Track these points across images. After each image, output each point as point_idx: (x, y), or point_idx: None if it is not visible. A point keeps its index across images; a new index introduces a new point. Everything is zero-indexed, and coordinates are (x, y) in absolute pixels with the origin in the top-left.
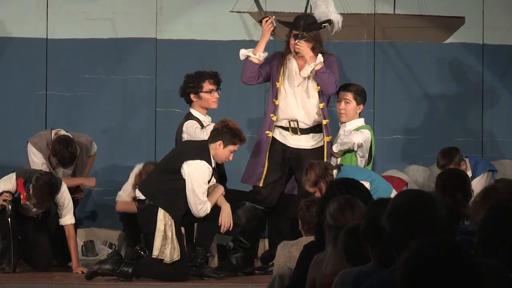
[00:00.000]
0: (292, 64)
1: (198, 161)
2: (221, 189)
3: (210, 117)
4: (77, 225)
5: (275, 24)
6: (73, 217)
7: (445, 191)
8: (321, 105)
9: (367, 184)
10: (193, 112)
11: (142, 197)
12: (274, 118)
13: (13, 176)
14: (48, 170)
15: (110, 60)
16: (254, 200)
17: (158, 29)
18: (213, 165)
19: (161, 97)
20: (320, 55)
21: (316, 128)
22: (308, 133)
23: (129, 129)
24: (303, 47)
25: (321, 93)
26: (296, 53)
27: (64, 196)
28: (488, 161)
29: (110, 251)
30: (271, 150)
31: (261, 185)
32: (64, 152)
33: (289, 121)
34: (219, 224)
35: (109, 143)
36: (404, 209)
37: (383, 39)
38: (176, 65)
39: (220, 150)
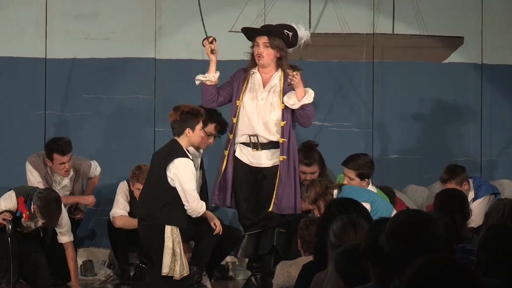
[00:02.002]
0: (256, 77)
1: (176, 160)
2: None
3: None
4: (77, 244)
5: (214, 44)
6: (72, 235)
7: (443, 211)
8: (282, 123)
9: (367, 205)
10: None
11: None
12: (230, 136)
13: (12, 194)
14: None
15: (109, 80)
16: (246, 228)
17: (157, 49)
18: (191, 157)
19: (160, 116)
20: (311, 90)
21: (277, 144)
22: (269, 148)
23: (128, 149)
24: (298, 79)
25: (284, 111)
26: (289, 84)
27: (62, 215)
28: (491, 184)
29: (108, 271)
30: (234, 169)
31: (229, 205)
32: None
33: (249, 136)
34: (215, 228)
35: (108, 162)
36: (403, 229)
37: (382, 59)
38: (175, 85)
39: (192, 136)
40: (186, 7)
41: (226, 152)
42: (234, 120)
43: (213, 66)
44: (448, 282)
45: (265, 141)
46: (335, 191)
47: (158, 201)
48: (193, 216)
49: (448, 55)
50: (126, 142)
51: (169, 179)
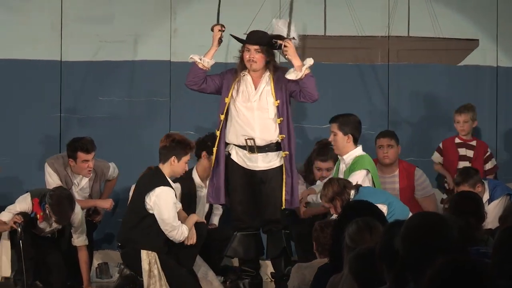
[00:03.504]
0: (247, 80)
1: (157, 189)
2: (194, 217)
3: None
4: (93, 247)
5: (223, 31)
6: (86, 238)
7: (458, 214)
8: (279, 120)
9: (384, 208)
10: (194, 173)
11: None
12: (217, 133)
13: (27, 196)
14: None
15: (124, 83)
16: (240, 229)
17: (172, 52)
18: (173, 186)
19: (176, 119)
20: (310, 58)
21: (273, 147)
22: (266, 151)
23: (144, 151)
24: (292, 48)
25: (279, 108)
26: (284, 55)
27: (78, 217)
28: (506, 185)
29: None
30: (229, 171)
31: (224, 202)
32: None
33: (246, 139)
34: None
35: (123, 165)
36: (417, 231)
37: (397, 62)
38: None
39: (176, 165)
40: (200, 10)
41: (215, 150)
42: (222, 117)
43: (211, 53)
44: (467, 283)
45: (262, 144)
46: (352, 192)
47: (136, 227)
48: (175, 242)
49: (463, 58)
50: (141, 144)
51: (148, 206)
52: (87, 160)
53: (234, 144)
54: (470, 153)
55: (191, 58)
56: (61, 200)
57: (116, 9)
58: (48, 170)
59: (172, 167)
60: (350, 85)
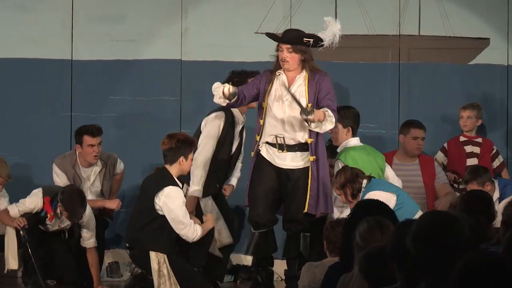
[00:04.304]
0: (281, 78)
1: (165, 189)
2: (211, 222)
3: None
4: (105, 246)
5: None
6: (96, 241)
7: (468, 213)
8: None
9: (393, 197)
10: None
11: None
12: (257, 138)
13: (39, 192)
14: None
15: (135, 82)
16: (257, 226)
17: (183, 51)
18: (180, 185)
19: (186, 118)
20: (329, 114)
21: (303, 146)
22: (295, 150)
23: (154, 150)
24: (313, 118)
25: None
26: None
27: (88, 217)
28: None
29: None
30: (255, 166)
31: (246, 204)
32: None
33: (276, 137)
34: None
35: (133, 164)
36: (428, 231)
37: (408, 61)
38: (201, 87)
39: (184, 164)
40: (211, 9)
41: (253, 154)
42: (261, 122)
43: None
44: (495, 278)
45: (292, 143)
46: (364, 181)
47: (145, 228)
48: (189, 241)
49: (474, 57)
50: (152, 143)
51: (157, 207)
52: (93, 144)
53: (266, 142)
54: (476, 150)
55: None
56: (73, 196)
57: (127, 8)
58: (56, 170)
59: (180, 166)
60: (360, 84)
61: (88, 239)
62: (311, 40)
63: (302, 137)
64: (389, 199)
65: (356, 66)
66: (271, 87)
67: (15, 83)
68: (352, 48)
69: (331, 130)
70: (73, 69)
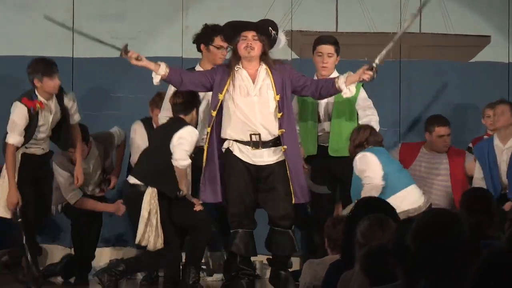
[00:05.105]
0: (242, 73)
1: (187, 127)
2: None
3: None
4: (97, 243)
5: (131, 52)
6: (79, 115)
7: (469, 211)
8: (279, 115)
9: (380, 172)
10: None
11: (132, 182)
12: (208, 130)
13: (17, 104)
14: (75, 189)
15: (136, 79)
16: (242, 225)
17: (184, 48)
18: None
19: None
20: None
21: (276, 141)
22: (270, 146)
23: None
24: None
25: (280, 102)
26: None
27: (71, 101)
28: None
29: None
30: (228, 166)
31: (221, 200)
32: None
33: (250, 135)
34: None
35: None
36: (428, 230)
37: (409, 58)
38: None
39: (195, 116)
40: (212, 7)
41: (206, 146)
42: (214, 113)
43: (150, 66)
44: None
45: (267, 139)
46: (368, 131)
47: (157, 165)
48: (177, 166)
49: (475, 54)
50: None
51: (171, 146)
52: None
53: (235, 140)
54: None
55: (155, 82)
56: (37, 60)
57: (127, 6)
58: (59, 170)
59: (193, 118)
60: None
61: (73, 115)
62: (273, 32)
63: (275, 130)
64: (375, 170)
65: (357, 63)
66: (233, 82)
67: (16, 80)
68: (352, 46)
69: (326, 60)
70: (74, 67)
